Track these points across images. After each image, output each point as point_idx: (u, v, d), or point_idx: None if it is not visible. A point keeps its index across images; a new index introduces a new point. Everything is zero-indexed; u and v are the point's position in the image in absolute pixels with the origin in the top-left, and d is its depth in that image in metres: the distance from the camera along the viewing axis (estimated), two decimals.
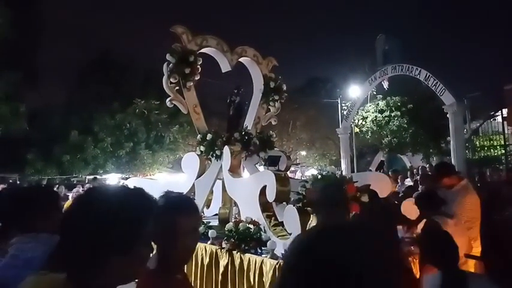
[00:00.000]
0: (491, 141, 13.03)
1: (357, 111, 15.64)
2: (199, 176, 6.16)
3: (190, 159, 6.41)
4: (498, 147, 12.52)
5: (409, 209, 4.76)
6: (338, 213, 2.41)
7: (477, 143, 13.30)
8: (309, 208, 3.81)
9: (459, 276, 1.99)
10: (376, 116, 16.45)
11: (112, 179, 17.73)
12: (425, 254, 2.17)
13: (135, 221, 1.08)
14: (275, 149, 6.81)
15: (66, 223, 1.10)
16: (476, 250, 3.82)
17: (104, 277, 1.05)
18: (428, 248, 2.17)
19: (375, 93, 16.56)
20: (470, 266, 3.48)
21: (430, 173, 9.01)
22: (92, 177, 17.52)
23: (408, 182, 10.12)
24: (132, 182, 7.36)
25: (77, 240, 1.04)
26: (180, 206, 1.57)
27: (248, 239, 4.46)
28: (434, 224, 3.17)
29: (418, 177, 9.70)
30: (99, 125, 18.65)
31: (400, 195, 7.00)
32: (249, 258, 4.27)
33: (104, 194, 1.14)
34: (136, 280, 1.35)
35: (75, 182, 18.21)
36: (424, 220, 3.43)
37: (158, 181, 10.24)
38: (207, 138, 6.21)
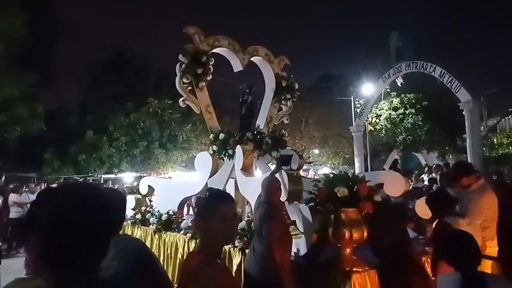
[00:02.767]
0: (510, 139, 12.76)
1: (371, 109, 15.49)
2: (212, 175, 6.21)
3: (203, 159, 6.45)
4: None
5: (423, 208, 4.72)
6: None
7: (494, 140, 13.04)
8: (321, 207, 3.82)
9: (479, 279, 1.93)
10: (390, 114, 16.27)
11: (127, 177, 17.99)
12: (444, 255, 2.11)
13: (113, 222, 1.13)
14: (287, 148, 6.81)
15: (49, 226, 1.06)
16: (492, 250, 3.76)
17: (86, 278, 1.05)
18: (447, 249, 2.11)
19: (388, 90, 16.35)
20: (486, 266, 3.43)
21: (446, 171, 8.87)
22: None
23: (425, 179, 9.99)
24: (147, 181, 7.46)
25: (61, 244, 1.02)
26: (221, 197, 1.86)
27: None
28: (446, 224, 3.12)
29: (434, 175, 9.58)
30: (114, 125, 18.92)
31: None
32: None
33: (82, 197, 1.13)
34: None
35: (90, 181, 18.56)
36: (437, 220, 3.38)
37: (172, 180, 10.37)
38: (220, 137, 6.24)
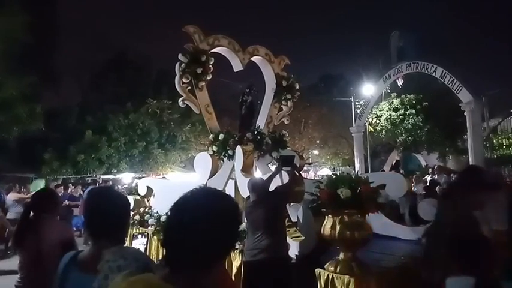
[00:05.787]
0: (510, 140, 12.71)
1: (371, 110, 15.42)
2: (211, 175, 6.13)
3: (203, 159, 6.38)
4: None
5: (426, 209, 4.64)
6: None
7: (495, 141, 12.99)
8: (323, 209, 3.74)
9: (494, 285, 1.82)
10: (390, 115, 16.20)
11: (126, 178, 17.89)
12: (457, 257, 1.98)
13: (232, 222, 1.13)
14: (288, 148, 6.74)
15: (177, 226, 1.09)
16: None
17: (200, 277, 1.07)
18: (461, 251, 1.98)
19: (389, 91, 16.29)
20: None
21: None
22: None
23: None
24: (145, 182, 7.38)
25: (186, 245, 1.05)
26: None
27: None
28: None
29: (436, 176, 9.51)
30: (113, 125, 18.84)
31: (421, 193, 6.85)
32: None
33: (206, 197, 1.14)
34: None
35: (89, 182, 18.47)
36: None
37: (171, 180, 10.28)
38: (220, 138, 6.17)
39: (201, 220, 1.06)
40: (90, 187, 11.79)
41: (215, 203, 1.11)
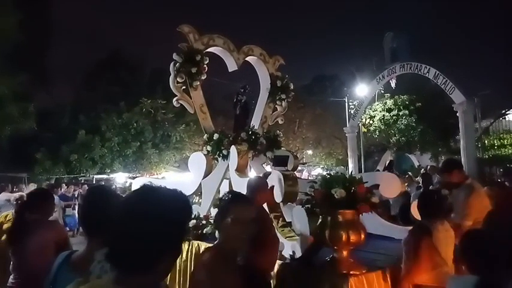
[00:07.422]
0: (502, 140, 12.84)
1: (365, 110, 15.51)
2: (206, 175, 6.12)
3: (197, 159, 6.36)
4: (508, 146, 12.34)
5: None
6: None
7: (487, 141, 13.11)
8: (317, 209, 3.75)
9: (501, 285, 1.76)
10: (384, 115, 16.31)
11: (119, 178, 17.80)
12: (461, 255, 1.94)
13: (184, 220, 1.16)
14: (282, 148, 6.75)
15: (122, 226, 1.10)
16: None
17: (152, 276, 1.10)
18: (464, 249, 1.93)
19: (382, 91, 16.39)
20: None
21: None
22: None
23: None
24: (140, 182, 7.34)
25: (135, 244, 1.05)
26: (239, 200, 1.98)
27: None
28: (422, 226, 2.93)
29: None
30: (107, 125, 18.72)
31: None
32: None
33: (154, 197, 1.14)
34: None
35: (82, 181, 18.34)
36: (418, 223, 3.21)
37: (165, 180, 10.24)
38: (214, 138, 6.16)
39: (130, 219, 1.08)
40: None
41: (149, 203, 1.11)
